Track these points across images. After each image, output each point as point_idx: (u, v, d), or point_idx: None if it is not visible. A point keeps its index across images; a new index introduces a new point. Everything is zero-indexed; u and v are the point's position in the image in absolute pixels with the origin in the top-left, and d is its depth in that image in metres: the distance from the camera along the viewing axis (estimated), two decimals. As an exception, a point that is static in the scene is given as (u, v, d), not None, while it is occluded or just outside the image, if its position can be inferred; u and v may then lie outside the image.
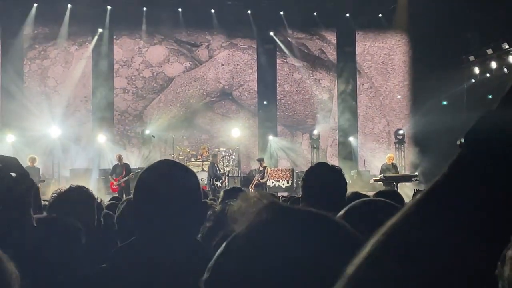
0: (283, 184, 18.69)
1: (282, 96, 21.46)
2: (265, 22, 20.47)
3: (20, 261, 1.14)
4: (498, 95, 0.59)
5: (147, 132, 19.75)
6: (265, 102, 20.90)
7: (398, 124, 21.39)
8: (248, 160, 20.44)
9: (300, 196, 3.52)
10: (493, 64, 17.77)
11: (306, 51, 21.57)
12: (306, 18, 20.56)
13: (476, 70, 18.76)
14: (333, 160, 20.46)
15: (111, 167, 16.54)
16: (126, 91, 20.45)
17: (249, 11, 20.20)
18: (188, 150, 18.45)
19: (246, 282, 0.75)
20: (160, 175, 1.79)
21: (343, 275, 0.58)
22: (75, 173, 17.68)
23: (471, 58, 18.96)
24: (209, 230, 2.39)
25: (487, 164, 0.55)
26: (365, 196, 3.48)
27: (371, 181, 17.01)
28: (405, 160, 20.23)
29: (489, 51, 17.91)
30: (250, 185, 15.84)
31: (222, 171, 16.64)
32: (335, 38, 21.60)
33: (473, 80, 18.93)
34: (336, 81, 21.51)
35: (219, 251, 0.82)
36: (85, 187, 2.84)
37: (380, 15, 21.00)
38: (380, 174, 15.53)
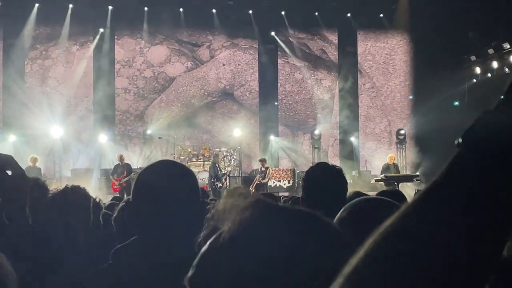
0: (284, 184, 18.70)
1: (283, 96, 21.46)
2: (266, 22, 20.48)
3: (18, 261, 1.13)
4: (499, 95, 0.59)
5: (148, 132, 19.78)
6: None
7: (399, 124, 21.40)
8: (249, 160, 20.45)
9: (301, 196, 3.52)
10: (495, 64, 17.78)
11: (307, 51, 21.57)
12: (307, 18, 20.57)
13: (478, 70, 18.76)
14: (334, 160, 20.46)
15: (112, 167, 16.57)
16: (128, 91, 20.47)
17: (250, 11, 20.22)
18: (190, 150, 18.46)
19: (230, 279, 0.75)
20: (159, 175, 1.79)
21: (340, 275, 0.57)
22: (76, 173, 17.71)
23: (473, 58, 18.96)
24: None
25: (485, 164, 0.55)
26: (366, 196, 3.48)
27: (372, 181, 17.03)
28: (406, 160, 20.23)
29: (491, 51, 17.91)
30: (251, 185, 15.85)
31: (223, 171, 16.64)
32: (336, 38, 21.61)
33: (475, 80, 18.93)
34: (337, 81, 21.51)
35: (203, 249, 0.81)
36: (80, 187, 2.81)
37: (381, 15, 21.01)
38: (381, 173, 15.54)
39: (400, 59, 22.04)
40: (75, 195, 2.66)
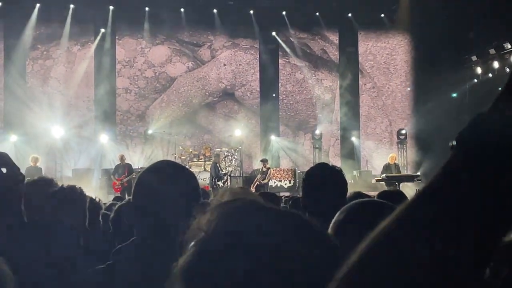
0: (285, 184, 18.71)
1: (284, 96, 21.46)
2: (267, 22, 20.48)
3: (16, 262, 1.13)
4: (495, 96, 0.59)
5: (149, 132, 19.80)
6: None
7: (400, 124, 21.39)
8: (250, 160, 20.45)
9: (301, 196, 3.52)
10: (496, 64, 17.76)
11: (308, 51, 21.57)
12: (308, 18, 20.57)
13: (479, 70, 18.75)
14: (335, 160, 20.47)
15: (113, 167, 16.59)
16: (129, 91, 20.48)
17: (251, 11, 20.21)
18: (191, 150, 18.47)
19: (212, 280, 0.74)
20: (160, 176, 1.79)
21: (333, 278, 0.57)
22: (77, 173, 17.71)
23: (474, 58, 18.95)
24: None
25: (479, 166, 0.54)
26: (367, 196, 3.48)
27: (373, 181, 17.04)
28: (407, 159, 20.23)
29: (492, 51, 17.90)
30: (251, 185, 15.86)
31: (224, 171, 16.66)
32: (337, 38, 21.61)
33: (475, 80, 18.92)
34: (338, 81, 21.51)
35: (189, 250, 0.81)
36: (76, 187, 2.79)
37: (382, 15, 21.00)
38: (381, 173, 15.55)
39: (401, 59, 22.03)
40: (70, 195, 2.64)
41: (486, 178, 0.54)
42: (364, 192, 3.60)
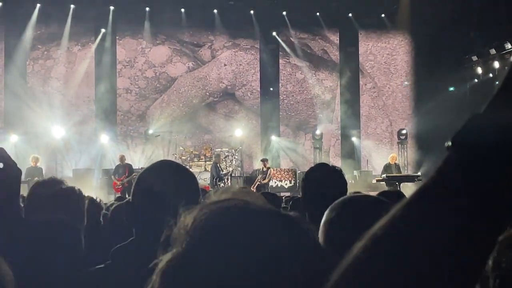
0: (286, 184, 18.72)
1: (284, 96, 21.46)
2: (267, 22, 20.48)
3: (15, 261, 1.13)
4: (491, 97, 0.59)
5: (150, 132, 19.80)
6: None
7: (400, 124, 21.38)
8: (251, 160, 20.45)
9: (301, 196, 3.52)
10: (496, 64, 17.75)
11: (308, 51, 21.56)
12: (309, 18, 20.57)
13: (479, 70, 18.74)
14: (336, 160, 20.47)
15: (114, 167, 16.58)
16: (129, 91, 20.48)
17: (251, 11, 20.21)
18: (191, 150, 18.47)
19: (192, 282, 0.74)
20: (159, 176, 1.79)
21: (328, 281, 0.57)
22: (77, 173, 17.70)
23: (474, 58, 18.94)
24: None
25: (475, 167, 0.55)
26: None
27: (374, 181, 17.02)
28: (408, 160, 20.22)
29: (492, 51, 17.89)
30: (252, 185, 15.85)
31: (224, 171, 16.66)
32: (338, 38, 21.60)
33: (476, 80, 18.91)
34: (339, 81, 21.50)
35: (171, 250, 0.81)
36: (74, 188, 2.78)
37: (382, 15, 21.00)
38: (381, 173, 15.54)
39: (401, 59, 22.03)
40: (68, 196, 2.62)
41: (482, 179, 0.54)
42: (363, 193, 3.60)
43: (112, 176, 16.17)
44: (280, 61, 21.40)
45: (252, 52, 21.24)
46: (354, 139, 21.08)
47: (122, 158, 16.21)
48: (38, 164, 15.12)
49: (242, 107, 21.07)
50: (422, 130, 19.89)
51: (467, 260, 0.53)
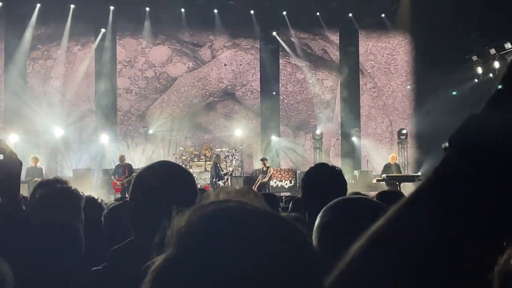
0: (286, 184, 18.71)
1: (285, 96, 21.45)
2: (267, 22, 20.47)
3: (15, 261, 1.14)
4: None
5: (150, 132, 19.80)
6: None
7: (401, 124, 21.37)
8: (251, 160, 20.44)
9: (300, 196, 3.52)
10: (496, 64, 17.75)
11: (308, 51, 21.56)
12: (309, 18, 20.56)
13: (479, 70, 18.74)
14: (336, 160, 20.46)
15: (114, 167, 16.58)
16: (129, 91, 20.47)
17: (252, 11, 20.21)
18: (191, 150, 18.46)
19: (184, 285, 0.74)
20: (157, 176, 1.79)
21: (322, 283, 0.57)
22: (78, 173, 17.70)
23: (474, 58, 18.94)
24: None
25: (472, 168, 0.54)
26: (366, 196, 3.48)
27: (374, 181, 17.01)
28: (408, 160, 20.22)
29: (492, 51, 17.89)
30: (254, 185, 15.85)
31: (224, 171, 16.66)
32: (338, 38, 21.60)
33: (476, 80, 18.91)
34: (339, 81, 21.50)
35: (164, 252, 0.81)
36: (71, 188, 2.77)
37: (383, 15, 20.99)
38: (381, 173, 15.53)
39: (401, 59, 22.02)
40: (63, 196, 2.60)
41: (479, 180, 0.54)
42: (362, 193, 3.59)
43: (112, 176, 16.16)
44: (280, 61, 21.40)
45: (252, 52, 21.23)
46: (354, 139, 21.07)
47: (122, 158, 16.21)
48: (38, 165, 15.11)
49: (242, 107, 21.06)
50: (422, 130, 19.88)
51: (466, 261, 0.53)
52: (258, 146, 20.87)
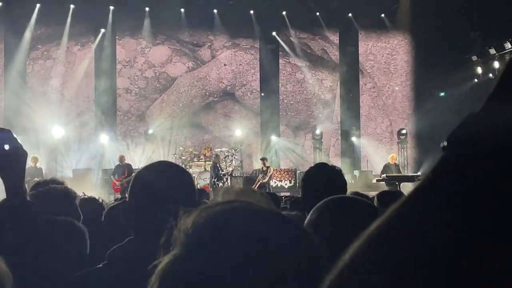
0: (286, 184, 18.71)
1: (284, 96, 21.46)
2: (267, 22, 20.48)
3: (15, 260, 1.13)
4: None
5: (150, 132, 19.80)
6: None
7: (400, 124, 21.38)
8: (251, 160, 20.44)
9: (300, 196, 3.52)
10: (496, 64, 17.75)
11: (308, 51, 21.56)
12: (309, 18, 20.57)
13: (479, 70, 18.74)
14: (336, 160, 20.46)
15: (114, 167, 16.58)
16: (129, 91, 20.47)
17: (251, 11, 20.21)
18: (191, 150, 18.46)
19: (190, 284, 0.74)
20: (155, 176, 1.79)
21: (324, 282, 0.57)
22: (77, 173, 17.70)
23: (474, 58, 18.94)
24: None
25: (471, 167, 0.54)
26: (366, 196, 3.48)
27: (374, 181, 17.01)
28: (408, 160, 20.22)
29: (492, 51, 17.89)
30: (254, 185, 15.85)
31: (224, 171, 16.65)
32: (338, 38, 21.60)
33: (476, 80, 18.91)
34: (339, 81, 21.50)
35: (171, 252, 0.81)
36: (68, 188, 2.76)
37: (382, 15, 21.00)
38: (381, 173, 15.53)
39: (401, 59, 22.03)
40: (58, 196, 2.59)
41: (478, 179, 0.54)
42: (362, 193, 3.60)
43: (112, 176, 16.16)
44: (280, 61, 21.40)
45: (252, 52, 21.23)
46: (354, 139, 21.08)
47: (121, 159, 16.21)
48: (38, 165, 15.09)
49: (242, 107, 21.06)
50: (422, 130, 19.89)
51: (465, 262, 0.52)
52: (258, 146, 20.87)
